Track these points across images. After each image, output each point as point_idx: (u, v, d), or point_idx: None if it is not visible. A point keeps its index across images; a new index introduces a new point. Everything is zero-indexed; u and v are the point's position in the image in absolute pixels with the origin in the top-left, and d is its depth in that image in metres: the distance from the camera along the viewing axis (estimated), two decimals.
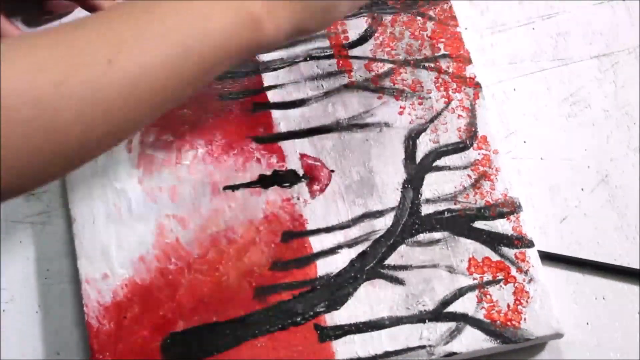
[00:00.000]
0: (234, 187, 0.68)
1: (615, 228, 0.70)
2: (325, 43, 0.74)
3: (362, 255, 0.66)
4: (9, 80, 0.45)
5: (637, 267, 0.68)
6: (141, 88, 0.49)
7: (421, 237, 0.67)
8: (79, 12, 0.75)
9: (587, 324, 0.66)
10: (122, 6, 0.53)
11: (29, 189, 0.50)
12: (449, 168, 0.70)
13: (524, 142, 0.73)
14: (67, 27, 0.50)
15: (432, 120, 0.71)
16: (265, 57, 0.73)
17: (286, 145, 0.70)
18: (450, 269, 0.66)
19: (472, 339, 0.63)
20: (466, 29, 0.76)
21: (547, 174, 0.72)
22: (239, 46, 0.53)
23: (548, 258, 0.68)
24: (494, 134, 0.71)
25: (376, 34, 0.75)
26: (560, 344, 0.65)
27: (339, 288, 0.65)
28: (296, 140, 0.70)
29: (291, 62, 0.73)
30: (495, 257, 0.66)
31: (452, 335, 0.63)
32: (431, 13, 0.75)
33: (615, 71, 0.75)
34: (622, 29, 0.77)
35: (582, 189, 0.71)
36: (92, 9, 0.71)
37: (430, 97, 0.72)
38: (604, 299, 0.67)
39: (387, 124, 0.71)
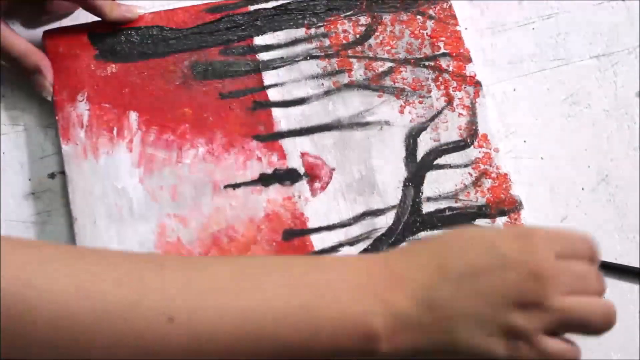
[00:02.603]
0: (235, 186, 0.68)
1: (615, 228, 0.70)
2: (326, 42, 0.74)
3: (363, 253, 0.66)
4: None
5: (637, 267, 0.68)
6: (197, 354, 0.47)
7: (422, 235, 0.67)
8: (80, 13, 0.75)
9: None
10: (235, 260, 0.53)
11: None
12: (449, 166, 0.70)
13: (524, 141, 0.73)
14: (150, 267, 0.49)
15: (432, 119, 0.71)
16: (265, 56, 0.73)
17: (287, 143, 0.70)
18: None
19: None
20: (466, 28, 0.77)
21: (547, 173, 0.72)
22: (341, 350, 0.49)
23: None
24: (494, 132, 0.71)
25: (376, 33, 0.75)
26: None
27: None
28: (297, 138, 0.70)
29: (292, 61, 0.73)
30: None
31: None
32: (431, 12, 0.75)
33: (615, 71, 0.76)
34: (622, 29, 0.77)
35: (583, 189, 0.71)
36: (93, 9, 0.71)
37: (430, 96, 0.72)
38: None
39: (387, 123, 0.71)
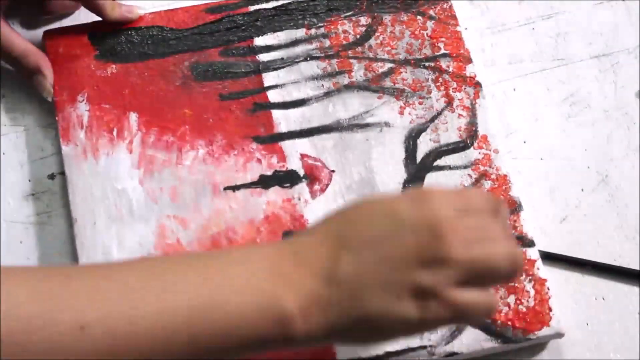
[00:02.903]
0: (234, 188, 0.68)
1: (615, 228, 0.70)
2: (326, 43, 0.74)
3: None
4: None
5: (637, 268, 0.68)
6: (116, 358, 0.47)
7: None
8: (80, 13, 0.75)
9: (587, 324, 0.66)
10: (135, 262, 0.52)
11: None
12: (449, 167, 0.70)
13: (524, 142, 0.73)
14: (55, 279, 0.49)
15: (432, 120, 0.71)
16: (265, 57, 0.73)
17: (287, 145, 0.70)
18: None
19: (472, 339, 0.63)
20: (466, 28, 0.77)
21: (547, 174, 0.72)
22: (257, 340, 0.50)
23: (548, 258, 0.68)
24: (494, 133, 0.71)
25: (376, 34, 0.75)
26: (560, 344, 0.65)
27: None
28: (297, 140, 0.70)
29: (291, 62, 0.73)
30: None
31: (453, 335, 0.63)
32: (431, 12, 0.75)
33: (615, 71, 0.76)
34: (622, 29, 0.77)
35: (582, 189, 0.71)
36: (94, 8, 0.72)
37: (430, 97, 0.72)
38: (604, 299, 0.67)
39: (387, 124, 0.71)
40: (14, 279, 0.48)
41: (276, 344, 0.50)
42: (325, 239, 0.52)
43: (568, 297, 0.67)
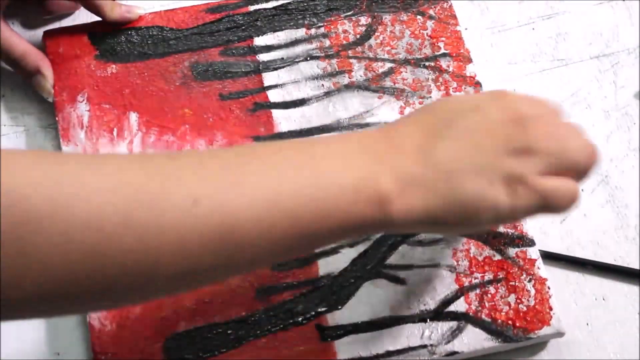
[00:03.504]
0: None
1: (615, 228, 0.70)
2: (326, 43, 0.74)
3: (363, 254, 0.66)
4: (78, 199, 0.43)
5: (637, 268, 0.68)
6: (224, 238, 0.46)
7: (422, 236, 0.67)
8: (80, 13, 0.75)
9: (587, 324, 0.66)
10: (244, 147, 0.52)
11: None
12: None
13: None
14: (160, 156, 0.49)
15: None
16: (265, 56, 0.73)
17: None
18: (452, 269, 0.66)
19: (473, 338, 0.63)
20: (466, 29, 0.77)
21: None
22: (356, 221, 0.50)
23: (548, 257, 0.68)
24: None
25: (376, 33, 0.75)
26: (560, 344, 0.65)
27: (341, 288, 0.65)
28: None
29: (291, 62, 0.73)
30: (496, 257, 0.66)
31: (454, 334, 0.64)
32: (431, 12, 0.75)
33: (615, 71, 0.76)
34: (622, 29, 0.77)
35: (582, 190, 0.71)
36: (94, 8, 0.72)
37: (430, 97, 0.72)
38: (604, 299, 0.67)
39: (387, 124, 0.71)
40: (118, 159, 0.47)
41: (375, 225, 0.51)
42: (418, 128, 0.53)
43: (568, 297, 0.67)
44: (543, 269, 0.66)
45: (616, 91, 0.75)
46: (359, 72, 0.73)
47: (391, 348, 0.63)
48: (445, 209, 0.51)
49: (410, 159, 0.51)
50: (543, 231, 0.69)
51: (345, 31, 0.75)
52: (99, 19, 0.73)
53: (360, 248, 0.66)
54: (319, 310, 0.64)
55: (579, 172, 0.54)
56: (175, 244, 0.45)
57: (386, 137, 0.53)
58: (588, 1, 0.79)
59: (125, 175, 0.46)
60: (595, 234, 0.70)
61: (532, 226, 0.68)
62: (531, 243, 0.67)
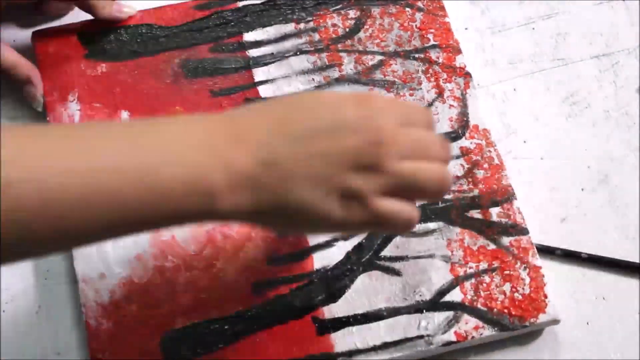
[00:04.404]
0: None
1: (616, 228, 0.70)
2: (315, 37, 0.74)
3: (357, 247, 0.67)
4: None
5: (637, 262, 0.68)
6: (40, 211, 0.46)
7: (416, 227, 0.67)
8: (78, 13, 0.74)
9: (587, 323, 0.67)
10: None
11: None
12: None
13: (524, 142, 0.73)
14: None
15: None
16: (255, 52, 0.73)
17: None
18: (446, 259, 0.66)
19: (469, 327, 0.64)
20: (466, 29, 0.77)
21: (547, 174, 0.72)
22: (182, 212, 0.49)
23: (548, 252, 0.68)
24: (484, 121, 0.71)
25: (365, 26, 0.75)
26: (560, 343, 0.66)
27: (336, 280, 0.65)
28: None
29: (281, 57, 0.73)
30: (490, 246, 0.66)
31: (450, 324, 0.64)
32: (420, 4, 0.76)
33: (615, 71, 0.76)
34: (622, 29, 0.78)
35: (582, 189, 0.71)
36: (89, 9, 0.71)
37: (421, 88, 0.72)
38: (604, 298, 0.68)
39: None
40: None
41: (200, 216, 0.50)
42: (267, 120, 0.52)
43: (569, 297, 0.67)
44: (537, 257, 0.66)
45: (616, 91, 0.75)
46: (349, 66, 0.73)
47: (388, 339, 0.63)
48: (273, 212, 0.51)
49: (247, 155, 0.50)
50: (543, 231, 0.69)
51: (334, 25, 0.75)
52: (87, 18, 0.73)
53: (355, 240, 0.67)
54: (316, 303, 0.65)
55: (426, 195, 0.54)
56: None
57: (231, 125, 0.51)
58: (588, 1, 0.79)
59: None
60: (595, 234, 0.70)
61: (531, 227, 0.68)
62: (524, 231, 0.67)
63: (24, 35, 0.74)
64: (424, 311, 0.64)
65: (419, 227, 0.67)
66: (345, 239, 0.67)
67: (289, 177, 0.50)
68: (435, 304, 0.65)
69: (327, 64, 0.73)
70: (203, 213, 0.50)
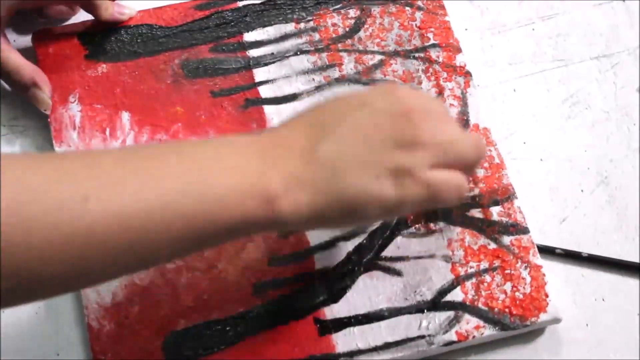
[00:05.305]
0: None
1: (615, 229, 0.70)
2: (315, 36, 0.74)
3: (358, 247, 0.67)
4: None
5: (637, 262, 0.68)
6: (115, 236, 0.47)
7: (417, 227, 0.67)
8: (81, 15, 0.74)
9: (587, 324, 0.67)
10: (135, 147, 0.54)
11: None
12: None
13: (524, 142, 0.73)
14: (53, 156, 0.49)
15: None
16: (255, 52, 0.73)
17: None
18: (447, 259, 0.66)
19: (470, 327, 0.64)
20: (466, 29, 0.77)
21: (547, 174, 0.72)
22: (246, 220, 0.50)
23: (548, 251, 0.68)
24: (483, 119, 0.71)
25: (365, 26, 0.75)
26: (560, 343, 0.66)
27: (337, 281, 0.65)
28: None
29: (282, 57, 0.73)
30: (491, 245, 0.66)
31: (451, 324, 0.64)
32: (419, 3, 0.76)
33: (615, 72, 0.76)
34: (622, 29, 0.78)
35: (582, 190, 0.71)
36: (90, 7, 0.71)
37: (421, 88, 0.72)
38: (603, 299, 0.68)
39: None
40: (12, 160, 0.47)
41: (264, 224, 0.51)
42: (305, 128, 0.54)
43: (568, 298, 0.67)
44: (538, 257, 0.66)
45: (616, 91, 0.75)
46: (349, 65, 0.73)
47: (389, 339, 0.64)
48: (330, 205, 0.52)
49: (295, 158, 0.52)
50: (543, 232, 0.70)
51: (334, 24, 0.75)
52: (87, 19, 0.73)
53: (356, 241, 0.67)
54: (317, 303, 0.65)
55: (467, 165, 0.56)
56: (62, 239, 0.45)
57: (273, 138, 0.54)
58: (588, 1, 0.79)
59: (13, 172, 0.46)
60: (595, 234, 0.70)
61: (532, 227, 0.68)
62: (525, 231, 0.67)
63: (24, 36, 0.74)
64: (425, 311, 0.64)
65: (420, 228, 0.67)
66: (346, 239, 0.67)
67: (338, 168, 0.52)
68: (436, 303, 0.65)
69: (328, 63, 0.73)
70: (266, 220, 0.51)
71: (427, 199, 0.54)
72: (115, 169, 0.49)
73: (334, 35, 0.74)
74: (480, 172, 0.69)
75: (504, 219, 0.67)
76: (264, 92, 0.72)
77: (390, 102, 0.54)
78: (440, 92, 0.72)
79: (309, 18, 0.75)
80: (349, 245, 0.67)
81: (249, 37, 0.74)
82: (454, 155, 0.55)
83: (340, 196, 0.52)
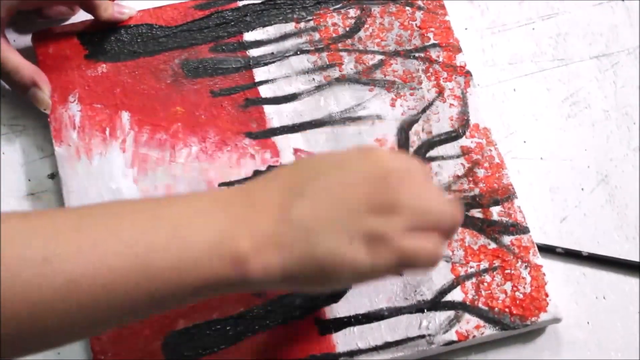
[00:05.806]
0: (229, 184, 0.68)
1: (615, 228, 0.70)
2: (316, 36, 0.74)
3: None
4: None
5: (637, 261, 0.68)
6: (73, 296, 0.47)
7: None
8: (80, 15, 0.74)
9: (588, 323, 0.67)
10: (96, 206, 0.53)
11: None
12: (442, 157, 0.70)
13: (524, 142, 0.73)
14: (15, 217, 0.49)
15: (424, 111, 0.71)
16: (255, 52, 0.73)
17: (280, 140, 0.70)
18: (447, 258, 0.66)
19: (471, 327, 0.64)
20: (466, 29, 0.77)
21: (547, 174, 0.72)
22: (213, 281, 0.49)
23: (548, 250, 0.68)
24: (484, 119, 0.71)
25: (366, 25, 0.75)
26: (560, 343, 0.66)
27: None
28: (289, 135, 0.70)
29: (282, 57, 0.73)
30: (491, 245, 0.66)
31: (451, 323, 0.64)
32: (420, 3, 0.75)
33: (615, 72, 0.76)
34: (622, 29, 0.78)
35: (582, 189, 0.71)
36: (90, 7, 0.71)
37: (421, 87, 0.72)
38: (604, 298, 0.68)
39: (379, 117, 0.71)
40: None
41: (233, 284, 0.50)
42: (279, 186, 0.53)
43: (569, 297, 0.67)
44: (538, 256, 0.66)
45: (616, 91, 0.75)
46: (349, 65, 0.73)
47: (389, 339, 0.64)
48: (302, 268, 0.51)
49: (268, 218, 0.51)
50: (543, 231, 0.70)
51: (334, 24, 0.75)
52: (86, 19, 0.73)
53: None
54: (317, 303, 0.65)
55: (443, 231, 0.54)
56: (31, 301, 0.46)
57: (246, 197, 0.52)
58: (588, 1, 0.79)
59: None
60: (595, 234, 0.70)
61: (532, 227, 0.68)
62: (525, 230, 0.67)
63: (24, 36, 0.74)
64: (425, 311, 0.64)
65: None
66: None
67: (311, 229, 0.51)
68: (437, 303, 0.65)
69: (328, 63, 0.73)
70: (233, 281, 0.50)
71: (401, 266, 0.53)
72: (75, 232, 0.48)
73: (334, 35, 0.74)
74: (481, 172, 0.69)
75: (504, 219, 0.67)
76: (264, 91, 0.72)
77: (368, 164, 0.53)
78: (441, 92, 0.72)
79: (309, 18, 0.75)
80: None
81: (249, 36, 0.74)
82: (432, 220, 0.53)
83: (312, 259, 0.50)
